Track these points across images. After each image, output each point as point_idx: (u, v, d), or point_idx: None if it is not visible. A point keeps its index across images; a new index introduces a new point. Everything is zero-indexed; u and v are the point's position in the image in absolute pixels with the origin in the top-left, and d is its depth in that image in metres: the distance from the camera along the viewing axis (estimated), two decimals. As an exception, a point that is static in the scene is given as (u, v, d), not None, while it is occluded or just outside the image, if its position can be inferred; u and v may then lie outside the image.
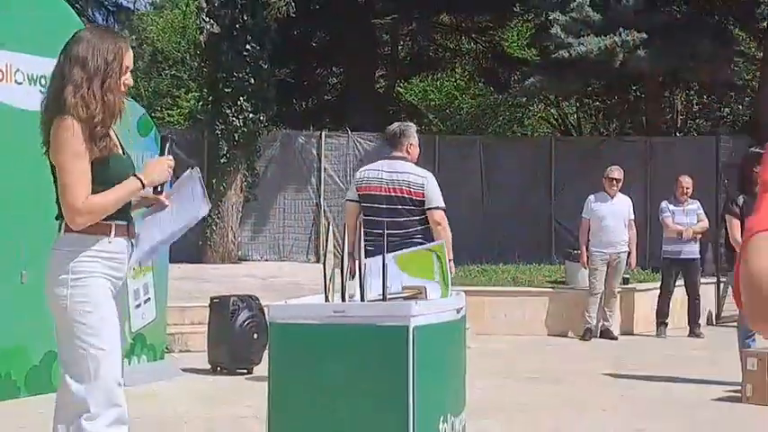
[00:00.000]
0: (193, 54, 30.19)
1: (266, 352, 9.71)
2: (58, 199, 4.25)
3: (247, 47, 18.60)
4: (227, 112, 18.59)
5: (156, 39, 35.12)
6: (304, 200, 19.84)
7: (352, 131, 20.32)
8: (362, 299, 4.31)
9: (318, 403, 4.18)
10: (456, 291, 4.74)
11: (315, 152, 20.13)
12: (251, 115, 18.68)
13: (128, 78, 4.33)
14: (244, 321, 9.69)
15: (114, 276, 4.29)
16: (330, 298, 4.30)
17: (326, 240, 4.31)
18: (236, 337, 9.64)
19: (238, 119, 18.56)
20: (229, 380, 9.48)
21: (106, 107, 4.17)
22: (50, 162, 4.25)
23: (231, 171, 18.83)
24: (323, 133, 20.43)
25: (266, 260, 19.48)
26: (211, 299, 10.04)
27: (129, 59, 4.33)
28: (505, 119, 33.86)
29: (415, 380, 3.98)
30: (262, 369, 9.72)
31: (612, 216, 13.51)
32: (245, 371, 9.74)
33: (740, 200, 9.59)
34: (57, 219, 4.31)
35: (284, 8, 19.36)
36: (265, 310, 10.00)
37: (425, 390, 4.06)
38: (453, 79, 33.74)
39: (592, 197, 13.73)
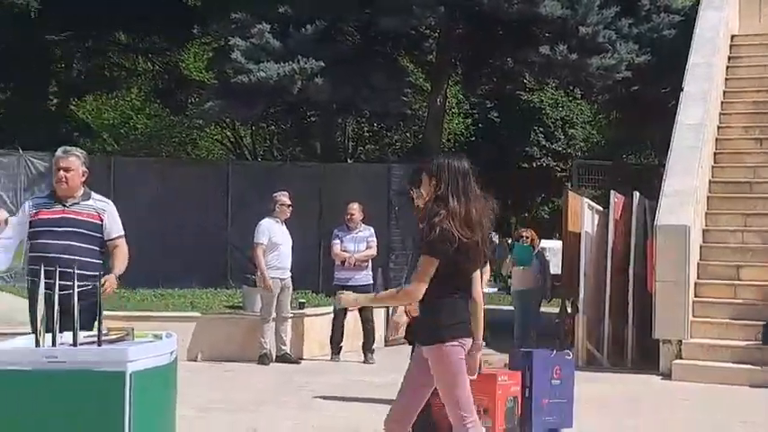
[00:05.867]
0: None
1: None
2: None
3: None
4: None
5: None
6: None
7: (23, 150, 19.58)
8: (75, 343, 4.21)
9: (30, 452, 4.05)
10: (167, 333, 4.73)
11: (-17, 171, 19.25)
12: None
13: None
14: None
15: None
16: (41, 342, 4.18)
17: (39, 279, 4.16)
18: None
19: None
20: None
21: None
22: None
23: None
24: (-8, 152, 19.57)
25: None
26: None
27: None
28: (180, 140, 33.71)
29: (131, 426, 3.94)
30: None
31: (286, 241, 13.70)
32: None
33: None
34: None
35: (-50, 19, 18.51)
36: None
37: (141, 434, 4.02)
38: (129, 99, 33.29)
39: (266, 222, 13.74)
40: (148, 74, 29.03)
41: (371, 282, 14.60)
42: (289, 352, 13.87)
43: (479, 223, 5.51)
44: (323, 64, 17.77)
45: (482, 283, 9.92)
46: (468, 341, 5.53)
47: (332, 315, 14.49)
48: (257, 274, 13.74)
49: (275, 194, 14.00)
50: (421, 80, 24.74)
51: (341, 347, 14.33)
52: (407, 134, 29.86)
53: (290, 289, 13.94)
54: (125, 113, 34.07)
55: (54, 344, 4.22)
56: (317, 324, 14.88)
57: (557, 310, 16.90)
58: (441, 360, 5.45)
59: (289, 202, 13.84)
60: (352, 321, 14.61)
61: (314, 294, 16.37)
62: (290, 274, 13.79)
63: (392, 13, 18.04)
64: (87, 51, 26.90)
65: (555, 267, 18.19)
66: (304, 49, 17.89)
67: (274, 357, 13.74)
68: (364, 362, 14.15)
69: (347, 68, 18.32)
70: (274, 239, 13.60)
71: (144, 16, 22.82)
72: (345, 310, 14.30)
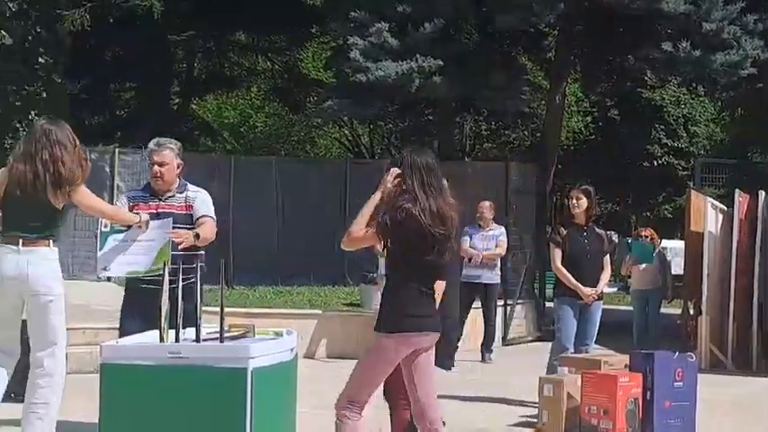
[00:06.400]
0: (-22, 63, 29.02)
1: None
2: None
3: (40, 60, 18.18)
4: (17, 126, 18.11)
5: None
6: (95, 218, 19.27)
7: (145, 148, 19.92)
8: (198, 339, 4.27)
9: (153, 446, 4.13)
10: (288, 330, 4.76)
11: (108, 169, 19.69)
12: (42, 129, 18.19)
13: None
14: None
15: None
16: (165, 338, 4.24)
17: (163, 278, 4.23)
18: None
19: (29, 133, 18.06)
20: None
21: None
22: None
23: (20, 187, 18.26)
24: (116, 149, 19.99)
25: (55, 278, 18.89)
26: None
27: None
28: (299, 138, 34.02)
29: (252, 422, 3.97)
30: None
31: (409, 239, 13.69)
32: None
33: (563, 230, 9.98)
34: None
35: (79, 21, 19.00)
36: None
37: (261, 430, 4.05)
38: (248, 98, 33.71)
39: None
40: (268, 73, 29.37)
41: (499, 281, 14.57)
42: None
43: (450, 217, 5.57)
44: (441, 62, 17.72)
45: (602, 282, 9.94)
46: (420, 336, 5.47)
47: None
48: (377, 272, 13.80)
49: None
50: (539, 78, 24.55)
51: (458, 347, 14.27)
52: (526, 132, 29.64)
53: None
54: (245, 112, 34.52)
55: (177, 340, 4.28)
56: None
57: (678, 310, 16.61)
58: (374, 346, 5.53)
59: None
60: (472, 321, 14.57)
61: (434, 293, 16.30)
62: None
63: (510, 10, 17.90)
64: (208, 51, 27.35)
65: (677, 267, 17.88)
66: (422, 47, 17.84)
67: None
68: (482, 361, 14.11)
69: (465, 66, 18.23)
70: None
71: (264, 16, 23.09)
72: (467, 311, 14.24)
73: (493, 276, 14.26)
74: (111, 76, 25.31)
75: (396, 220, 5.43)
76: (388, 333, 5.45)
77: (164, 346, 4.24)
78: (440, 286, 5.85)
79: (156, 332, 4.38)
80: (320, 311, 14.60)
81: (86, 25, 19.22)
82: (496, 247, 14.26)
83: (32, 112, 18.11)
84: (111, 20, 22.28)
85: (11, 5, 18.03)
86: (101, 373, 4.29)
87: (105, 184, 19.58)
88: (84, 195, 6.70)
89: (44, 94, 18.28)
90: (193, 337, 4.33)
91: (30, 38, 18.10)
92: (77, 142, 6.75)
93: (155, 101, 24.07)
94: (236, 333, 4.49)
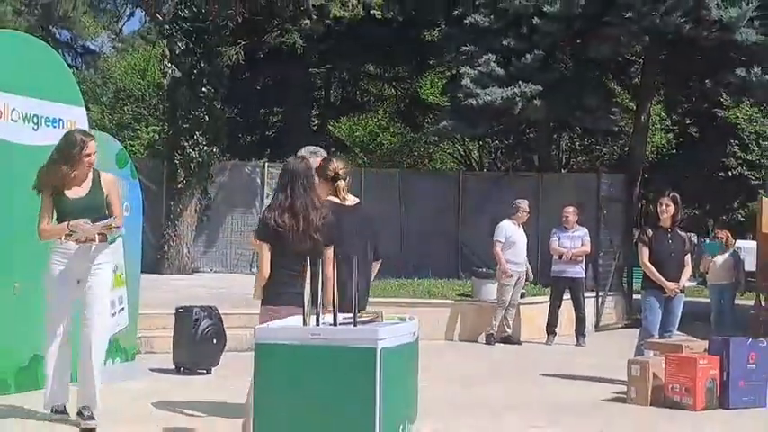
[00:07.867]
0: (153, 93, 29.83)
1: (223, 355, 9.77)
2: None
3: (203, 89, 18.62)
4: (185, 144, 18.58)
5: (120, 78, 34.72)
6: (248, 221, 19.68)
7: (291, 164, 20.19)
8: (335, 323, 4.31)
9: (298, 412, 4.22)
10: (410, 316, 4.78)
11: (259, 180, 20.09)
12: (205, 148, 18.72)
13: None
14: (205, 329, 9.59)
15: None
16: (308, 321, 4.29)
17: (306, 270, 4.28)
18: (198, 341, 9.54)
19: (194, 150, 18.58)
20: (192, 379, 9.36)
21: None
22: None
23: (187, 195, 18.90)
24: (265, 164, 20.40)
25: (215, 272, 19.42)
26: (177, 308, 9.91)
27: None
28: (419, 154, 34.07)
29: (381, 393, 4.00)
30: (217, 369, 9.68)
31: (521, 240, 13.70)
32: (205, 371, 9.64)
33: (650, 232, 9.88)
34: None
35: (234, 56, 19.48)
36: (223, 318, 9.98)
37: (389, 401, 4.09)
38: (376, 119, 33.91)
39: (504, 223, 13.78)
40: (392, 98, 29.54)
41: (583, 276, 14.46)
42: (512, 335, 13.84)
43: (302, 213, 5.70)
44: (540, 88, 17.58)
45: (684, 277, 9.75)
46: (286, 308, 5.37)
47: (547, 303, 14.37)
48: (497, 267, 13.77)
49: (518, 201, 14.02)
50: (627, 100, 24.16)
51: (555, 332, 14.17)
52: (615, 147, 29.20)
53: (524, 280, 13.98)
54: (373, 132, 34.69)
55: (318, 323, 4.33)
56: (535, 311, 14.76)
57: (750, 302, 16.21)
58: (259, 316, 5.84)
59: (528, 210, 13.90)
60: (566, 309, 14.44)
61: (532, 285, 16.20)
62: (524, 267, 13.83)
63: (601, 42, 17.69)
64: (342, 80, 27.64)
65: (750, 265, 17.48)
66: (524, 75, 17.74)
67: (498, 338, 13.73)
68: (577, 344, 13.95)
69: (562, 91, 18.05)
70: (512, 239, 13.64)
71: (388, 51, 23.24)
72: (560, 301, 14.20)
73: (579, 271, 14.23)
74: (262, 102, 25.72)
75: (259, 226, 5.86)
76: (264, 303, 5.80)
77: (306, 328, 4.30)
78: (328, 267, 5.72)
79: (300, 317, 4.45)
80: (437, 300, 14.61)
81: (241, 60, 19.68)
82: (582, 245, 14.20)
83: (197, 133, 18.57)
84: (262, 55, 22.74)
85: (179, 45, 18.50)
86: (255, 351, 4.38)
87: (257, 193, 19.99)
88: (41, 200, 6.68)
89: (206, 118, 18.72)
90: (331, 321, 4.39)
91: (195, 71, 18.55)
92: (61, 152, 6.63)
93: (297, 122, 24.39)
94: (366, 318, 4.54)
